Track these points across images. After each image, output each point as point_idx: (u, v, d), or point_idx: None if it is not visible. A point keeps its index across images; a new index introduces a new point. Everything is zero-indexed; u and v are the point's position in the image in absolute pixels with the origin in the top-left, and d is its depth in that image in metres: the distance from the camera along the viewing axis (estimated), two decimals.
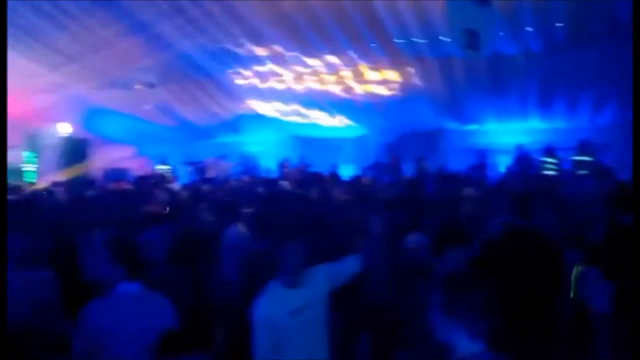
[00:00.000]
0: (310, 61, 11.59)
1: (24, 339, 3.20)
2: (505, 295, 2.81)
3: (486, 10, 8.70)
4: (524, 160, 11.32)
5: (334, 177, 8.97)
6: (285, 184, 8.81)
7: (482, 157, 11.71)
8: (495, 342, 1.81)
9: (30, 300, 3.59)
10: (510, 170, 10.87)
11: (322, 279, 2.93)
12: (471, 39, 9.24)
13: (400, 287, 3.69)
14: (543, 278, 3.40)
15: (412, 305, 3.52)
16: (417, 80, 11.67)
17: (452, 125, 13.19)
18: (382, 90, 12.23)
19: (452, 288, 1.82)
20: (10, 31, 10.77)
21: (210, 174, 13.92)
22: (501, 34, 9.64)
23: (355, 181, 8.23)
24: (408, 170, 11.27)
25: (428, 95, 11.90)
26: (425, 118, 12.74)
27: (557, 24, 9.02)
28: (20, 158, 13.78)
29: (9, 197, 8.40)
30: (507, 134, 12.51)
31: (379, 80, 12.02)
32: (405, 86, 11.85)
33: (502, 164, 11.78)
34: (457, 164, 11.02)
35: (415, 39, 10.24)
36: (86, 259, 5.04)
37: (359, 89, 12.22)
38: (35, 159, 13.90)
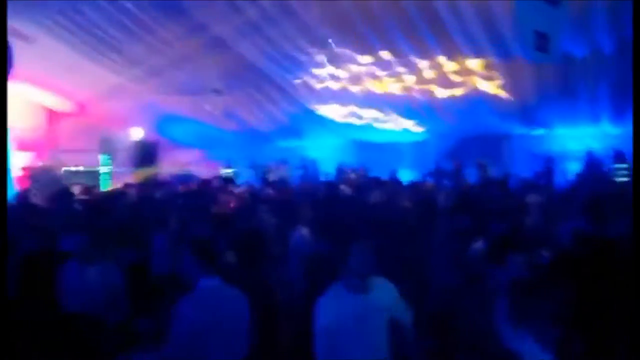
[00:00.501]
0: (372, 65, 11.59)
1: (92, 328, 3.39)
2: (577, 303, 2.74)
3: (556, 11, 8.37)
4: (594, 166, 10.83)
5: (394, 182, 8.94)
6: (345, 189, 8.87)
7: (549, 163, 11.29)
8: (565, 352, 1.78)
9: (98, 292, 3.85)
10: (580, 176, 10.43)
11: (386, 292, 2.89)
12: (540, 41, 8.92)
13: (464, 294, 3.65)
14: (616, 286, 3.27)
15: (476, 313, 3.47)
16: (481, 83, 11.39)
17: (518, 130, 12.79)
18: (444, 94, 12.01)
19: (520, 295, 1.80)
20: (87, 40, 11.58)
21: (273, 177, 14.23)
22: (571, 35, 9.27)
23: (415, 187, 8.18)
24: (471, 176, 11.05)
25: (493, 98, 11.60)
26: (489, 122, 12.43)
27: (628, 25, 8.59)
28: (96, 161, 14.66)
29: (86, 197, 9.00)
30: (577, 139, 11.99)
31: (441, 83, 11.79)
32: (468, 89, 11.60)
33: (570, 170, 11.32)
34: (523, 170, 10.70)
35: (479, 40, 9.99)
36: (155, 256, 5.35)
37: (420, 92, 12.06)
38: (109, 162, 14.73)
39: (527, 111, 11.83)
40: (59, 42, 11.69)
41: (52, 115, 15.74)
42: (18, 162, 14.07)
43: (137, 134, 14.93)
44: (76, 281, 3.83)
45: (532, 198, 5.54)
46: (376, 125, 13.79)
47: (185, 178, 13.29)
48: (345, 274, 2.79)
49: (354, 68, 11.69)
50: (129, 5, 10.13)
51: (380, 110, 13.12)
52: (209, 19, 10.26)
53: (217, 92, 12.10)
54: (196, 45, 11.13)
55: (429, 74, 11.50)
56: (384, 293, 2.85)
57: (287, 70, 12.05)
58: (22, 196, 8.74)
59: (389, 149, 14.12)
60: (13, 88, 11.17)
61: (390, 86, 12.20)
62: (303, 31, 10.50)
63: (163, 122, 14.84)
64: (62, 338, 3.05)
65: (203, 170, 14.62)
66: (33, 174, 13.60)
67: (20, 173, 13.68)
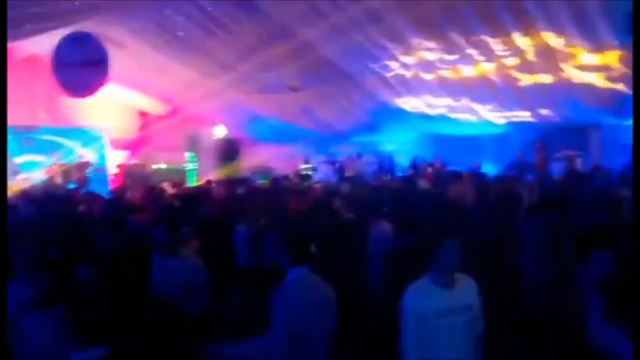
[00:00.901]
0: (449, 55, 11.29)
1: (175, 318, 3.61)
2: None
3: None
4: None
5: (474, 175, 8.75)
6: (423, 183, 8.81)
7: None
8: None
9: (180, 284, 4.10)
10: None
11: (470, 288, 2.86)
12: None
13: (555, 291, 3.53)
14: None
15: (567, 310, 3.36)
16: (568, 69, 10.78)
17: (608, 119, 12.03)
18: (527, 81, 11.46)
19: (612, 293, 1.75)
20: (173, 44, 12.23)
21: (349, 172, 14.37)
22: None
23: (497, 180, 7.96)
24: (555, 169, 10.56)
25: (580, 85, 10.96)
26: (576, 111, 11.78)
27: None
28: (183, 158, 15.50)
29: (175, 191, 9.56)
30: None
31: (524, 72, 11.26)
32: (553, 76, 11.03)
33: None
34: (613, 162, 10.07)
35: (565, 22, 9.42)
36: (238, 248, 5.61)
37: (501, 80, 11.57)
38: (195, 159, 15.52)
39: (618, 99, 11.07)
40: (148, 46, 12.44)
41: (144, 116, 16.81)
42: (114, 160, 15.21)
43: (220, 132, 15.57)
44: (158, 272, 4.12)
45: (623, 192, 5.26)
46: (454, 117, 13.47)
47: (266, 174, 13.77)
48: (432, 268, 2.79)
49: (431, 59, 11.46)
50: (211, 8, 10.55)
51: (459, 101, 12.78)
52: (280, 13, 10.46)
53: (294, 89, 12.36)
54: (274, 43, 11.40)
55: (510, 60, 11.03)
56: (468, 289, 2.84)
57: (363, 64, 12.07)
58: (119, 191, 9.48)
59: (467, 141, 13.77)
60: (108, 91, 12.07)
61: (468, 76, 11.83)
62: (377, 23, 10.45)
63: (245, 120, 15.39)
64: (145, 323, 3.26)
65: (282, 166, 15.04)
66: (127, 171, 14.64)
67: (116, 170, 14.78)
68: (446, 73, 11.81)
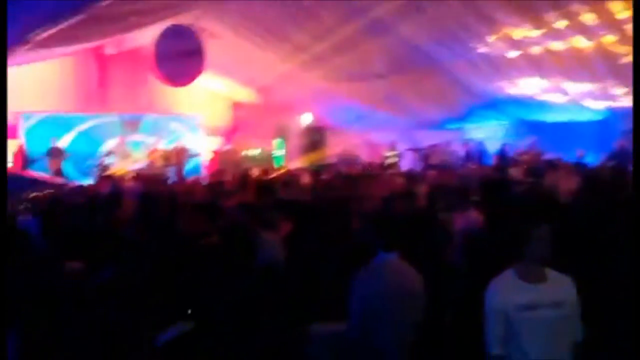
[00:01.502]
0: (544, 37, 10.65)
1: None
2: None
3: None
4: None
5: (572, 165, 8.30)
6: (514, 172, 8.51)
7: None
8: None
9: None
10: None
11: (562, 285, 2.73)
12: None
13: None
14: None
15: None
16: None
17: None
18: (629, 59, 10.45)
19: None
20: (262, 33, 12.62)
21: (435, 160, 14.14)
22: None
23: (596, 170, 7.52)
24: None
25: None
26: None
27: None
28: (271, 145, 16.04)
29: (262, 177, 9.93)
30: None
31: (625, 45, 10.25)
32: None
33: None
34: None
35: None
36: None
37: (601, 61, 10.67)
38: (283, 146, 15.99)
39: None
40: (240, 37, 12.93)
41: (236, 105, 17.56)
42: (209, 146, 16.08)
43: (307, 119, 15.89)
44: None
45: None
46: (548, 102, 12.74)
47: (349, 161, 13.91)
48: (519, 261, 2.72)
49: (525, 42, 10.89)
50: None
51: (555, 85, 12.06)
52: (371, 2, 10.42)
53: (380, 76, 12.31)
54: (361, 30, 11.40)
55: (608, 39, 10.12)
56: (560, 287, 2.72)
57: (452, 49, 11.74)
58: (215, 176, 10.05)
59: (562, 128, 13.01)
60: (203, 81, 12.75)
61: (565, 58, 11.08)
62: (468, 7, 10.11)
63: (331, 107, 15.58)
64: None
65: (367, 154, 15.10)
66: (220, 157, 15.42)
67: (210, 156, 15.63)
68: (538, 53, 11.14)
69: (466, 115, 14.68)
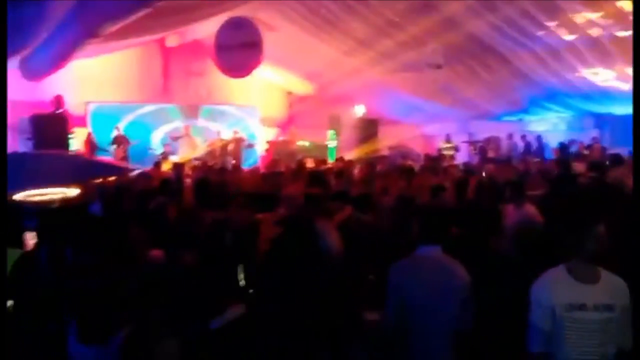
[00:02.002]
0: (611, 27, 10.17)
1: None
2: None
3: None
4: None
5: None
6: (577, 166, 8.23)
7: None
8: None
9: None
10: None
11: (614, 287, 2.61)
12: None
13: None
14: None
15: None
16: None
17: None
18: None
19: None
20: (318, 23, 12.70)
21: (492, 153, 13.85)
22: None
23: None
24: None
25: None
26: None
27: None
28: (325, 136, 16.16)
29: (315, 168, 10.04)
30: None
31: None
32: None
33: None
34: None
35: None
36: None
37: None
38: (336, 137, 16.08)
39: None
40: (296, 28, 13.09)
41: (292, 97, 17.80)
42: (265, 136, 16.42)
43: (360, 111, 15.90)
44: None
45: None
46: (614, 93, 12.17)
47: (403, 153, 13.84)
48: (570, 258, 2.63)
49: (589, 28, 10.43)
50: None
51: (620, 75, 11.49)
52: None
53: (437, 66, 12.13)
54: (416, 19, 11.29)
55: None
56: (612, 290, 2.60)
57: (513, 40, 11.41)
58: (272, 164, 10.28)
59: (629, 121, 12.37)
60: (260, 72, 12.99)
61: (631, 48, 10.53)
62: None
63: (384, 99, 15.52)
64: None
65: (422, 146, 14.96)
66: (275, 148, 15.71)
67: (266, 146, 15.96)
68: (603, 41, 10.65)
69: (525, 107, 14.25)
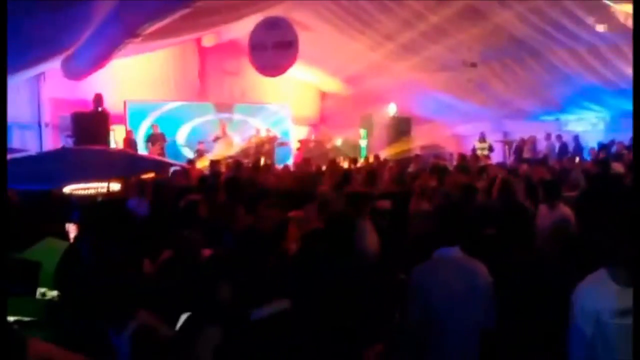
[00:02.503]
0: None
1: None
2: None
3: None
4: None
5: None
6: (617, 167, 8.02)
7: None
8: None
9: None
10: None
11: None
12: None
13: None
14: None
15: None
16: None
17: None
18: None
19: None
20: (351, 23, 12.71)
21: (528, 153, 13.60)
22: None
23: None
24: None
25: None
26: None
27: None
28: (357, 135, 16.18)
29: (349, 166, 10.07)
30: None
31: None
32: None
33: None
34: None
35: None
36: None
37: None
38: (367, 136, 16.07)
39: None
40: (330, 27, 13.13)
41: (324, 95, 17.87)
42: (297, 135, 16.55)
43: (392, 109, 15.83)
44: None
45: None
46: None
47: (438, 152, 13.73)
48: (612, 261, 2.50)
49: (630, 23, 10.12)
50: None
51: None
52: None
53: (472, 64, 11.98)
54: (450, 17, 11.17)
55: None
56: None
57: (551, 38, 11.18)
58: (303, 162, 10.36)
59: None
60: (293, 71, 13.10)
61: None
62: None
63: (417, 97, 15.41)
64: None
65: (455, 145, 14.81)
66: (307, 146, 15.81)
67: (297, 145, 16.08)
68: None
69: (563, 106, 13.94)
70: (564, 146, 13.61)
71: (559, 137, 13.86)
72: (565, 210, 5.01)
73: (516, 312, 3.16)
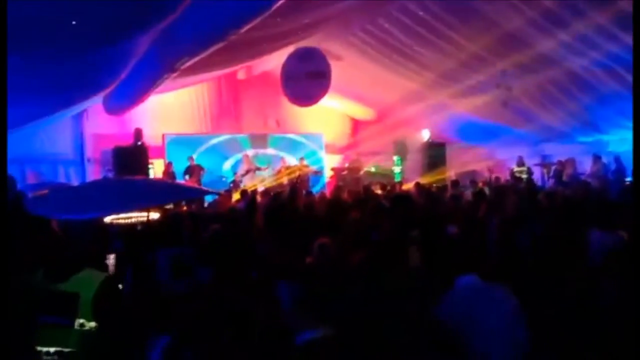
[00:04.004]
0: None
1: None
2: None
3: None
4: None
5: None
6: None
7: None
8: None
9: None
10: None
11: None
12: None
13: None
14: None
15: None
16: None
17: None
18: None
19: None
20: (383, 51, 12.79)
21: (567, 176, 13.24)
22: None
23: None
24: None
25: None
26: None
27: None
28: (391, 161, 16.12)
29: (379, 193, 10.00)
30: None
31: None
32: None
33: None
34: None
35: None
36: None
37: None
38: (401, 162, 15.99)
39: None
40: (361, 56, 13.27)
41: (355, 123, 17.97)
42: (329, 163, 16.62)
43: (425, 135, 15.75)
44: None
45: None
46: None
47: (471, 178, 13.51)
48: None
49: None
50: (421, 13, 10.76)
51: None
52: (491, 11, 10.13)
53: (507, 88, 11.85)
54: (484, 42, 11.13)
55: None
56: None
57: (588, 58, 10.96)
58: (336, 190, 10.36)
59: None
60: (325, 100, 13.26)
61: None
62: (608, 14, 9.40)
63: (451, 122, 15.30)
64: None
65: (492, 169, 14.54)
66: (339, 174, 15.84)
67: (331, 173, 16.14)
68: None
69: (601, 127, 13.56)
70: (605, 167, 13.15)
71: (598, 158, 13.38)
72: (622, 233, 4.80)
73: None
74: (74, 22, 4.79)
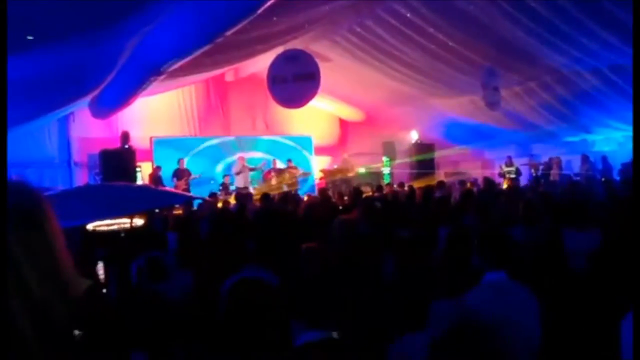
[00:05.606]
0: None
1: None
2: None
3: None
4: None
5: None
6: None
7: None
8: None
9: None
10: None
11: None
12: None
13: None
14: None
15: None
16: None
17: None
18: None
19: None
20: (370, 52, 12.79)
21: (554, 175, 13.36)
22: None
23: None
24: None
25: None
26: None
27: None
28: (380, 162, 16.14)
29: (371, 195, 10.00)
30: None
31: None
32: None
33: None
34: None
35: None
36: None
37: None
38: (390, 163, 16.02)
39: None
40: (349, 57, 13.26)
41: (344, 124, 17.96)
42: (318, 165, 16.59)
43: (414, 136, 15.80)
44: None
45: None
46: None
47: (463, 178, 13.56)
48: None
49: None
50: (409, 15, 10.78)
51: None
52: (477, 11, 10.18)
53: (494, 88, 11.91)
54: (471, 43, 11.17)
55: None
56: None
57: (574, 59, 11.06)
58: (324, 193, 10.34)
59: None
60: (316, 102, 13.24)
61: None
62: (591, 14, 9.49)
63: (439, 123, 15.36)
64: None
65: (480, 169, 14.63)
66: (329, 175, 15.81)
67: (320, 174, 16.12)
68: None
69: (588, 127, 13.70)
70: (591, 167, 13.29)
71: (586, 157, 13.52)
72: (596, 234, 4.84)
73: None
74: (57, 23, 4.73)
